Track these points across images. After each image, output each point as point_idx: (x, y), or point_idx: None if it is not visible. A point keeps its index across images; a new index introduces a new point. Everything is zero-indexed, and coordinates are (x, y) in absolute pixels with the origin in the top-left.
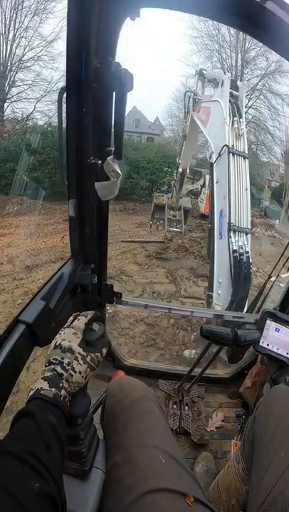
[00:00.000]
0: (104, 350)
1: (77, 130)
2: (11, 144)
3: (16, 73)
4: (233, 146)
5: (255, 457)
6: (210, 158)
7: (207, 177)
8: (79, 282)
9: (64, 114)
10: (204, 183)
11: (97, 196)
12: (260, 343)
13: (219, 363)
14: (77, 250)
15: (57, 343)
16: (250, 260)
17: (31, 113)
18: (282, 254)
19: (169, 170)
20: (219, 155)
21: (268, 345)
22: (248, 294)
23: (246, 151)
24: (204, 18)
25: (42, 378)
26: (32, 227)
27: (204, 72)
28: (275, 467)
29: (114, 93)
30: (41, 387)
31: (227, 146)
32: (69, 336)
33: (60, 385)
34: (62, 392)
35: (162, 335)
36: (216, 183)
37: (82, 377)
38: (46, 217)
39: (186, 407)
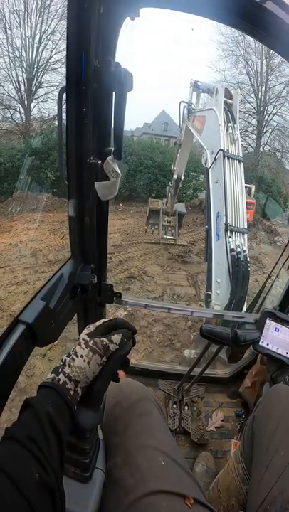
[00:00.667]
0: (116, 337)
1: (77, 130)
2: (37, 142)
3: (43, 75)
4: (228, 150)
5: (254, 456)
6: (205, 163)
7: None
8: (79, 282)
9: (64, 114)
10: None
11: (97, 196)
12: (260, 343)
13: (219, 363)
14: (77, 250)
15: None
16: (248, 259)
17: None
18: (282, 254)
19: (196, 174)
20: (215, 159)
21: (267, 344)
22: (247, 293)
23: (241, 155)
24: None
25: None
26: (56, 224)
27: (199, 83)
28: (275, 466)
29: (114, 93)
30: (46, 378)
31: (222, 150)
32: (83, 331)
33: (60, 370)
34: (61, 376)
35: (179, 336)
36: (216, 183)
37: (84, 361)
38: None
39: (186, 407)
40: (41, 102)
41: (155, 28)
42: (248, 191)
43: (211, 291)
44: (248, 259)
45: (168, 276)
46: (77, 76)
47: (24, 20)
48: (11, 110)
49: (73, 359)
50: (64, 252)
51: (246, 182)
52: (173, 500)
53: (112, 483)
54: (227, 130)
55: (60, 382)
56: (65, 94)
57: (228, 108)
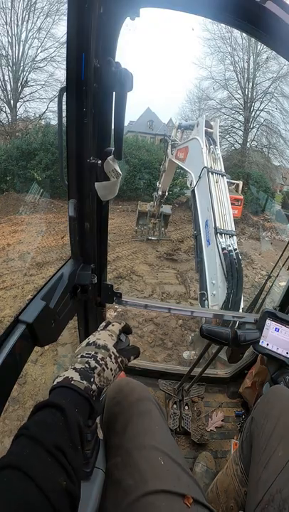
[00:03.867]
0: (132, 358)
1: (77, 130)
2: (23, 142)
3: (29, 73)
4: (211, 167)
5: (253, 456)
6: (190, 185)
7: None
8: (79, 282)
9: (64, 114)
10: None
11: (97, 196)
12: (260, 343)
13: (219, 363)
14: (77, 250)
15: (90, 341)
16: (240, 257)
17: (44, 113)
18: (282, 254)
19: (182, 171)
20: (199, 177)
21: (267, 344)
22: (242, 290)
23: (223, 171)
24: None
25: (72, 369)
26: (43, 225)
27: (182, 124)
28: (273, 465)
29: (114, 93)
30: (71, 377)
31: (206, 167)
32: (105, 337)
33: (92, 379)
34: (94, 386)
35: (170, 335)
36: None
37: (112, 375)
38: (58, 215)
39: (186, 407)
40: (27, 101)
41: (141, 24)
42: (236, 187)
43: (204, 291)
44: (240, 256)
45: (157, 275)
46: (78, 76)
47: (11, 18)
48: None
49: (104, 370)
50: (52, 253)
51: (234, 178)
52: (172, 499)
53: (112, 483)
54: (209, 151)
55: (92, 393)
56: (65, 95)
57: (209, 135)
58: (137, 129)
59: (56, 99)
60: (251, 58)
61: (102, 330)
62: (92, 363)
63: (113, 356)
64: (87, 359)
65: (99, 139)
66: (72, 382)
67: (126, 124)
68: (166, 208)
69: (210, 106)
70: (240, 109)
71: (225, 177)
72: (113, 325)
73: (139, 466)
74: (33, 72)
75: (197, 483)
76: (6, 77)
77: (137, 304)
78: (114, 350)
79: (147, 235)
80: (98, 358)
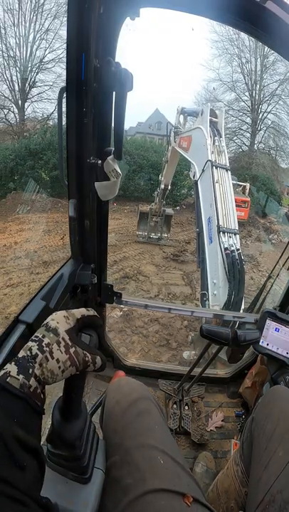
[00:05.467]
0: (98, 361)
1: (77, 130)
2: (31, 142)
3: (37, 74)
4: (215, 160)
5: (253, 456)
6: (194, 177)
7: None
8: (79, 282)
9: (64, 114)
10: None
11: (97, 196)
12: (260, 343)
13: (219, 363)
14: (77, 250)
15: (44, 322)
16: (242, 257)
17: (52, 113)
18: (282, 254)
19: (190, 173)
20: (203, 170)
21: (267, 344)
22: (244, 291)
23: (228, 165)
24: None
25: (14, 359)
26: (50, 224)
27: (185, 109)
28: (274, 466)
29: (114, 93)
30: (9, 372)
31: (210, 161)
32: (59, 318)
33: (30, 370)
34: (32, 381)
35: (175, 336)
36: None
37: (59, 368)
38: (65, 214)
39: (186, 407)
40: (35, 101)
41: (149, 26)
42: (243, 189)
43: (205, 291)
44: (242, 257)
45: (163, 276)
46: (78, 76)
47: (18, 19)
48: (4, 110)
49: (47, 359)
50: (59, 252)
51: (241, 180)
52: (172, 498)
53: (111, 482)
54: (214, 143)
55: (32, 390)
56: (65, 94)
57: (213, 125)
58: (145, 130)
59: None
60: (258, 60)
61: (61, 310)
62: (35, 350)
63: (63, 344)
64: (31, 344)
65: (99, 139)
66: (8, 379)
67: (134, 125)
68: (168, 210)
69: (217, 107)
70: (247, 111)
71: (229, 171)
72: (78, 309)
73: (139, 465)
74: (41, 73)
75: (197, 482)
76: (14, 78)
77: (137, 303)
78: (66, 337)
79: (148, 233)
80: (43, 344)
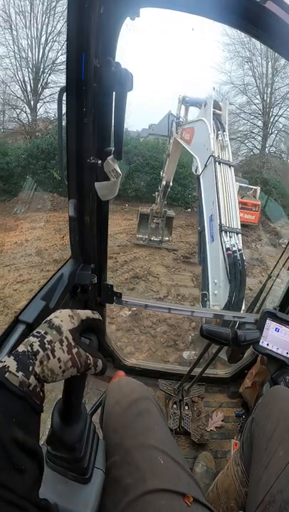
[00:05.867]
0: (100, 364)
1: (77, 130)
2: (43, 142)
3: (49, 75)
4: (218, 156)
5: (253, 456)
6: (196, 171)
7: (237, 184)
8: (79, 282)
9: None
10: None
11: (97, 196)
12: (260, 343)
13: (219, 363)
14: (77, 250)
15: (48, 319)
16: (244, 258)
17: (64, 114)
18: (282, 254)
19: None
20: (205, 166)
21: (267, 345)
22: (245, 292)
23: (231, 160)
24: None
25: (13, 353)
26: (62, 223)
27: (187, 98)
28: (274, 466)
29: (114, 93)
30: (8, 366)
31: (213, 156)
32: (63, 316)
33: (30, 368)
34: (32, 379)
35: (183, 337)
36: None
37: (60, 368)
38: None
39: (186, 407)
40: (47, 102)
41: (163, 29)
42: (254, 193)
43: (206, 291)
44: (244, 257)
45: (173, 277)
46: (78, 76)
47: (30, 21)
48: (17, 110)
49: (48, 357)
50: (69, 251)
51: (252, 184)
52: (172, 498)
53: (111, 482)
54: (217, 137)
55: (31, 388)
56: (65, 94)
57: (217, 118)
58: (158, 132)
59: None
60: (270, 63)
61: (66, 309)
62: (36, 346)
63: (66, 343)
64: (33, 340)
65: (99, 139)
66: (7, 374)
67: (147, 127)
68: (170, 212)
69: (229, 110)
70: (258, 114)
71: (233, 167)
72: (84, 311)
73: (139, 465)
74: (53, 74)
75: (197, 482)
76: (26, 79)
77: (137, 303)
78: (70, 337)
79: (149, 236)
80: (45, 341)
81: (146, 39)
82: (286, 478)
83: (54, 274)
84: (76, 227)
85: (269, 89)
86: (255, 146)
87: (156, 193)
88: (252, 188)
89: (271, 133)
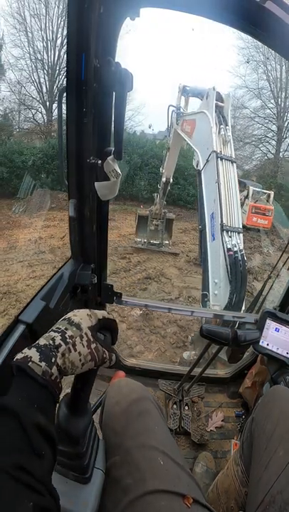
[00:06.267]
0: (114, 358)
1: (77, 130)
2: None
3: (65, 77)
4: (220, 151)
5: (253, 456)
6: (197, 166)
7: (251, 188)
8: (79, 282)
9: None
10: (248, 194)
11: (97, 196)
12: (260, 343)
13: (219, 363)
14: (77, 250)
15: (66, 316)
16: (245, 258)
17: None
18: (282, 254)
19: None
20: (207, 161)
21: (267, 344)
22: (245, 292)
23: (233, 156)
24: None
25: (35, 346)
26: None
27: (187, 88)
28: (274, 466)
29: (114, 93)
30: (30, 357)
31: (215, 151)
32: (82, 315)
33: (53, 359)
34: (54, 369)
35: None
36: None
37: (80, 360)
38: None
39: (186, 407)
40: (63, 103)
41: (182, 31)
42: (267, 197)
43: (206, 291)
44: (245, 258)
45: (185, 279)
46: (78, 76)
47: (46, 24)
48: (32, 110)
49: (70, 350)
50: None
51: (266, 188)
52: (172, 499)
53: (111, 482)
54: (219, 132)
55: (53, 378)
56: (65, 95)
57: (219, 111)
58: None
59: None
60: (284, 67)
61: (83, 309)
62: (58, 340)
63: (85, 338)
64: (54, 334)
65: (99, 138)
66: (30, 364)
67: (163, 129)
68: (169, 214)
69: (244, 114)
70: (273, 118)
71: (235, 164)
72: (100, 310)
73: (139, 466)
74: None
75: (197, 483)
76: (42, 80)
77: (137, 303)
78: (89, 333)
79: (148, 239)
80: (66, 335)
81: (163, 42)
82: (286, 479)
83: (54, 274)
84: (76, 227)
85: (283, 94)
86: (269, 151)
87: (155, 194)
88: (266, 193)
89: (286, 137)
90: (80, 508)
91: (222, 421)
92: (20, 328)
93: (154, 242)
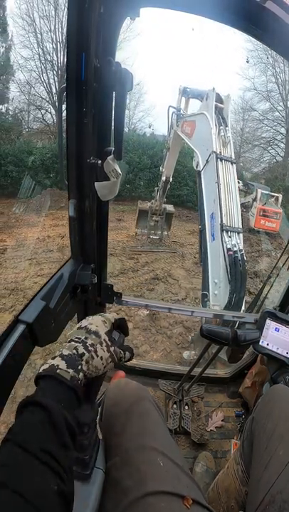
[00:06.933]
0: (128, 355)
1: (77, 130)
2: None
3: None
4: (220, 152)
5: (254, 456)
6: (197, 166)
7: (259, 191)
8: (79, 282)
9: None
10: (256, 197)
11: (97, 196)
12: (260, 343)
13: (219, 363)
14: (77, 250)
15: (82, 326)
16: (245, 258)
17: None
18: (282, 254)
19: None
20: (207, 162)
21: (267, 344)
22: (245, 292)
23: (233, 157)
24: None
25: (59, 355)
26: None
27: (188, 89)
28: (274, 465)
29: (114, 93)
30: (57, 365)
31: (215, 152)
32: (97, 322)
33: (79, 367)
34: (81, 375)
35: None
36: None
37: (103, 364)
38: None
39: (186, 407)
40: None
41: (188, 32)
42: (276, 200)
43: (206, 291)
44: (245, 258)
45: (192, 280)
46: (78, 76)
47: (55, 25)
48: (42, 111)
49: (93, 357)
50: None
51: (274, 191)
52: (171, 500)
53: (111, 483)
54: (219, 133)
55: (79, 382)
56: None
57: (219, 112)
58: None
59: None
60: None
61: (95, 315)
62: (81, 349)
63: (104, 344)
64: (75, 344)
65: (99, 139)
66: (58, 371)
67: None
68: (170, 207)
69: (253, 117)
70: (282, 121)
71: (234, 165)
72: (110, 313)
73: (139, 467)
74: None
75: (197, 483)
76: (52, 81)
77: (137, 303)
78: (107, 338)
79: (149, 234)
80: (88, 344)
81: (173, 44)
82: (286, 478)
83: (54, 274)
84: (76, 227)
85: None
86: (278, 153)
87: (156, 189)
88: (274, 196)
89: None
90: (80, 508)
91: (222, 421)
92: (20, 327)
93: (154, 237)
